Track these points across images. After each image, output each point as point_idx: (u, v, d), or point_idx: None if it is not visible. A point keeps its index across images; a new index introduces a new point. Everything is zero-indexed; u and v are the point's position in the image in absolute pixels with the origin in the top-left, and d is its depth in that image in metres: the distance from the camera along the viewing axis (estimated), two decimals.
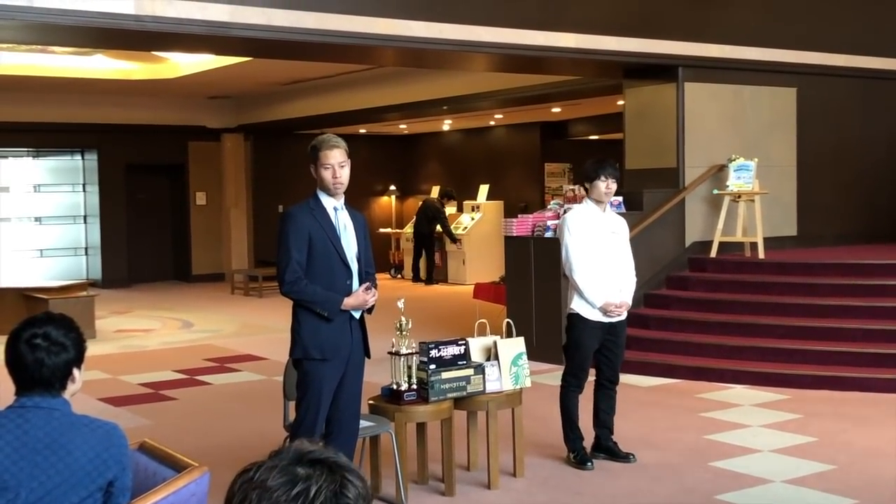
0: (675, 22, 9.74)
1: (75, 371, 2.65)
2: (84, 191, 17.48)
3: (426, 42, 8.23)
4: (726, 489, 5.23)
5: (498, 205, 16.64)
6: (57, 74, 13.74)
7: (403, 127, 18.00)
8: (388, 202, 19.51)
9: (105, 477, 2.57)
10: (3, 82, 13.97)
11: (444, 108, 14.19)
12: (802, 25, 10.59)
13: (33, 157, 17.27)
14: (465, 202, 17.22)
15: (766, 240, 9.57)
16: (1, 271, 16.33)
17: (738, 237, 9.59)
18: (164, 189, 18.03)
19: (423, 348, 5.12)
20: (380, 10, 7.90)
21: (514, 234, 9.49)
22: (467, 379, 5.21)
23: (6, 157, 17.03)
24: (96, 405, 7.52)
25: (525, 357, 5.47)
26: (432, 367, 5.09)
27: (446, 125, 17.77)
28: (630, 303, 5.78)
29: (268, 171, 17.91)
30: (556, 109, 14.90)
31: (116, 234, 17.04)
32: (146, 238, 17.60)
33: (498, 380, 5.34)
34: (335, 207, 4.59)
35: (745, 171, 9.52)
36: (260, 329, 11.95)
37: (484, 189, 16.99)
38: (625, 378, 6.75)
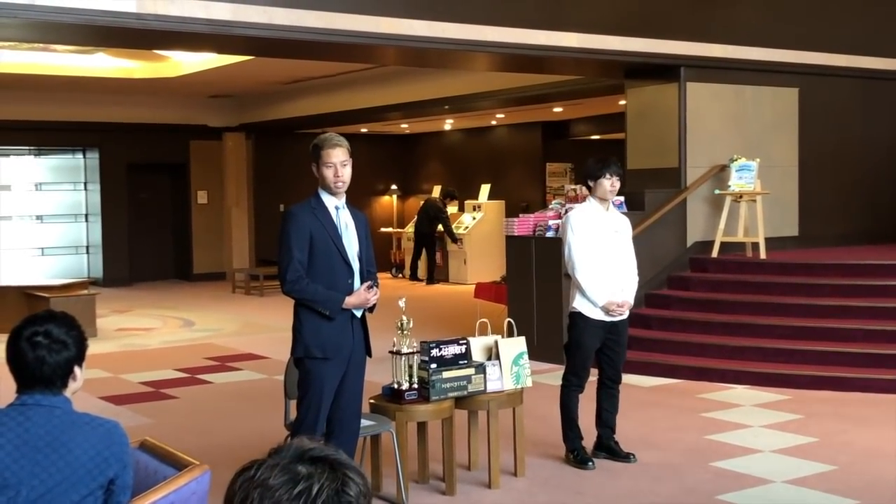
0: (677, 22, 9.74)
1: (76, 369, 2.65)
2: (85, 189, 17.49)
3: (428, 41, 8.22)
4: (727, 489, 5.22)
5: (499, 204, 16.64)
6: (59, 73, 13.75)
7: (405, 126, 18.00)
8: (389, 201, 19.51)
9: (106, 475, 2.57)
10: (5, 80, 13.98)
11: (446, 107, 14.19)
12: (804, 26, 10.59)
13: (35, 155, 17.28)
14: (467, 202, 17.22)
15: (767, 240, 9.57)
16: (2, 269, 16.34)
17: (740, 237, 9.59)
18: (166, 188, 18.04)
19: (425, 347, 5.12)
20: (382, 9, 7.90)
21: (516, 234, 9.49)
22: (468, 378, 5.21)
23: (8, 155, 17.03)
24: (97, 403, 7.52)
25: (526, 356, 5.47)
26: (433, 366, 5.09)
27: (448, 125, 17.76)
28: (632, 302, 5.77)
29: (269, 171, 17.91)
30: (558, 109, 14.90)
31: (118, 232, 17.05)
32: (147, 237, 17.61)
33: (499, 379, 5.34)
34: (336, 206, 4.59)
35: (747, 172, 9.51)
36: (261, 328, 11.96)
37: (485, 188, 16.99)
38: (626, 378, 6.73)
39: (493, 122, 17.35)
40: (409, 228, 17.53)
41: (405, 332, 5.05)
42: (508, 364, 5.38)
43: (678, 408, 7.19)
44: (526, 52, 8.82)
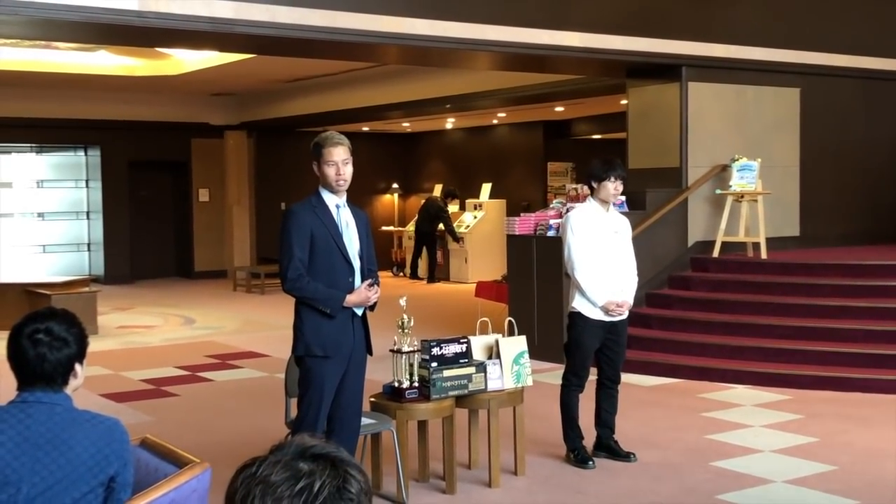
0: (679, 22, 9.73)
1: (77, 366, 2.65)
2: (87, 187, 17.49)
3: (430, 40, 8.22)
4: (727, 489, 5.22)
5: (500, 203, 16.64)
6: (60, 70, 13.76)
7: (406, 125, 18.00)
8: (390, 200, 19.52)
9: (106, 472, 2.58)
10: (7, 78, 13.98)
11: (448, 106, 14.18)
12: (806, 26, 10.58)
13: (36, 152, 17.28)
14: (468, 200, 17.22)
15: (768, 240, 9.56)
16: (4, 267, 16.35)
17: (741, 237, 9.59)
18: (167, 186, 18.04)
19: (425, 346, 5.12)
20: (384, 7, 7.90)
21: (517, 233, 9.49)
22: (469, 377, 5.21)
23: (9, 152, 17.04)
24: (98, 401, 7.53)
25: (527, 356, 5.47)
26: (434, 364, 5.09)
27: (449, 123, 17.77)
28: (631, 302, 5.77)
29: (270, 169, 17.92)
30: (560, 108, 14.90)
31: (119, 230, 17.06)
32: (149, 234, 17.61)
33: (499, 378, 5.34)
34: (337, 205, 4.59)
35: (748, 171, 9.51)
36: (262, 326, 11.96)
37: (486, 188, 16.98)
38: (626, 377, 6.73)
39: (495, 121, 17.34)
40: (410, 227, 17.53)
41: (406, 330, 5.05)
42: (509, 363, 5.38)
43: (679, 407, 7.19)
44: (528, 52, 8.82)
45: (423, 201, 17.16)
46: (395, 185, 19.31)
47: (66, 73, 13.88)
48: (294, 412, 4.78)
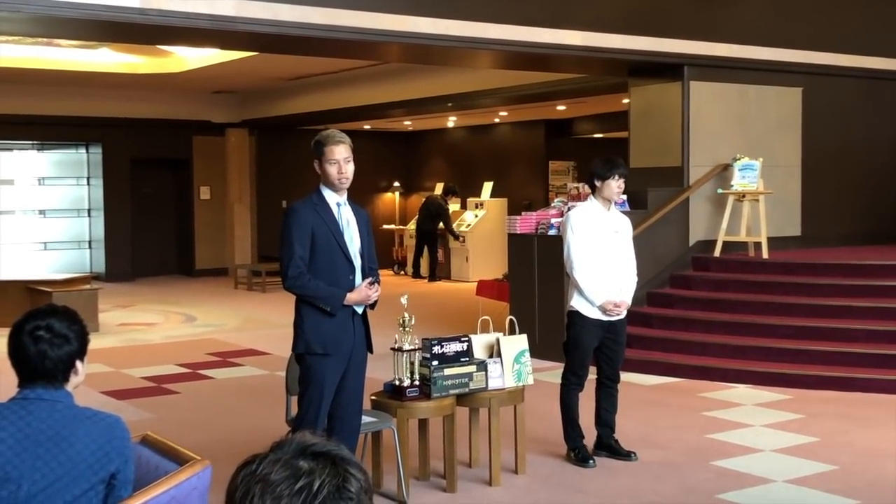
0: (681, 21, 9.73)
1: (78, 363, 2.65)
2: (88, 184, 17.50)
3: (432, 38, 8.22)
4: (728, 488, 5.22)
5: (502, 202, 16.64)
6: (62, 67, 13.76)
7: (408, 123, 18.00)
8: (391, 199, 19.52)
9: (107, 469, 2.58)
10: (9, 75, 13.98)
11: (449, 104, 14.18)
12: (809, 25, 10.57)
13: (38, 149, 17.29)
14: (469, 199, 17.22)
15: (769, 240, 9.55)
16: (5, 264, 16.36)
17: (742, 237, 9.58)
18: (169, 183, 18.05)
19: (426, 344, 5.12)
20: (386, 5, 7.90)
21: (518, 232, 9.49)
22: (470, 376, 5.20)
23: (11, 149, 17.05)
24: (99, 398, 7.53)
25: (528, 354, 5.47)
26: (435, 363, 5.09)
27: (451, 122, 17.76)
28: (630, 302, 5.77)
29: (272, 167, 17.92)
30: (561, 107, 14.89)
31: (120, 227, 17.06)
32: (150, 232, 17.62)
33: (500, 377, 5.34)
34: (338, 203, 4.59)
35: (750, 171, 9.50)
36: (263, 324, 11.96)
37: (488, 186, 16.98)
38: (627, 377, 6.74)
39: (497, 120, 17.34)
40: (412, 226, 17.54)
41: (407, 328, 5.05)
42: (510, 362, 5.38)
43: (679, 407, 7.19)
44: (530, 50, 8.82)
45: (423, 200, 17.17)
46: (396, 184, 19.30)
47: (68, 70, 13.88)
48: (295, 410, 4.78)
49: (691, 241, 9.89)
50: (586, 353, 5.70)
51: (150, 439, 3.04)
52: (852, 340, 8.08)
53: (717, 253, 9.55)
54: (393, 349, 5.14)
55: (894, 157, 11.42)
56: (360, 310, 4.61)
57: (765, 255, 9.43)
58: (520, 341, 5.46)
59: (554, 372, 7.76)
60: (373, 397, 5.22)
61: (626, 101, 10.77)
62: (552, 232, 9.02)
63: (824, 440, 6.18)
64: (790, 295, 8.80)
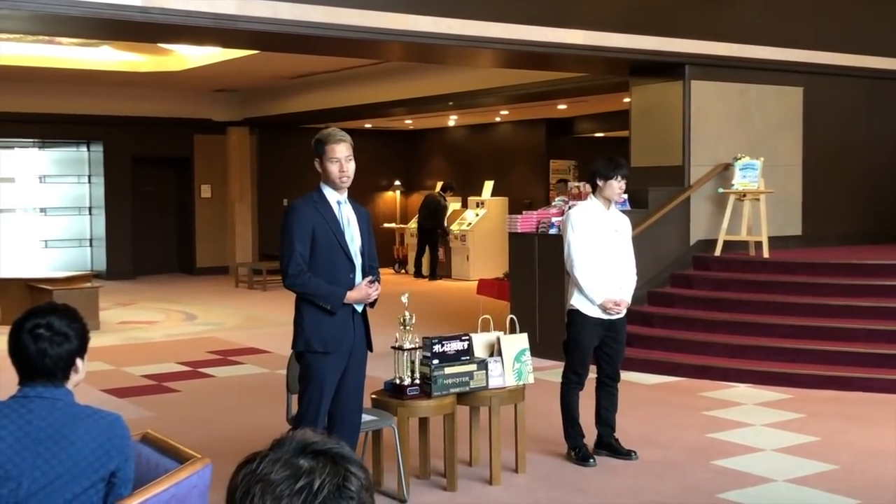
0: (683, 20, 9.72)
1: (78, 361, 2.65)
2: (89, 182, 17.50)
3: (433, 37, 8.22)
4: (728, 488, 5.22)
5: (502, 201, 16.64)
6: (63, 66, 13.76)
7: (409, 122, 18.00)
8: (392, 197, 19.52)
9: (107, 468, 2.58)
10: (10, 73, 13.99)
11: (450, 103, 14.17)
12: (810, 25, 10.57)
13: (39, 147, 17.29)
14: (470, 198, 17.22)
15: (770, 239, 9.55)
16: (6, 262, 16.36)
17: (743, 236, 9.58)
18: (170, 182, 18.05)
19: (427, 343, 5.12)
20: (387, 4, 7.89)
21: (519, 231, 9.49)
22: (470, 374, 5.20)
23: (12, 147, 17.04)
24: (99, 396, 7.54)
25: (528, 353, 5.47)
26: (435, 362, 5.09)
27: (452, 121, 17.76)
28: (629, 301, 5.77)
29: (273, 165, 17.92)
30: (562, 106, 14.88)
31: (121, 225, 17.07)
32: (151, 230, 17.62)
33: (501, 376, 5.34)
34: (339, 201, 4.58)
35: (751, 170, 9.50)
36: (263, 322, 11.97)
37: (489, 185, 16.98)
38: (628, 376, 6.74)
39: (497, 119, 17.33)
40: (412, 225, 17.54)
41: (408, 327, 5.05)
42: (510, 360, 5.38)
43: (680, 406, 7.19)
44: (531, 49, 8.81)
45: (423, 198, 17.20)
46: (397, 183, 19.30)
47: (70, 68, 13.88)
48: (295, 408, 4.79)
49: (692, 241, 9.89)
50: (586, 351, 5.70)
51: (151, 437, 3.04)
52: (853, 340, 8.07)
53: (717, 252, 9.55)
54: (393, 348, 5.14)
55: (895, 157, 11.41)
56: (360, 308, 4.61)
57: (765, 254, 9.42)
58: (520, 340, 5.46)
59: (554, 371, 7.76)
60: (373, 396, 5.22)
61: (627, 100, 10.76)
62: (553, 231, 9.01)
63: (825, 440, 6.18)
64: (791, 294, 8.80)
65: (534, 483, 5.39)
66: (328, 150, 4.50)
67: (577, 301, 5.67)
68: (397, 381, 5.13)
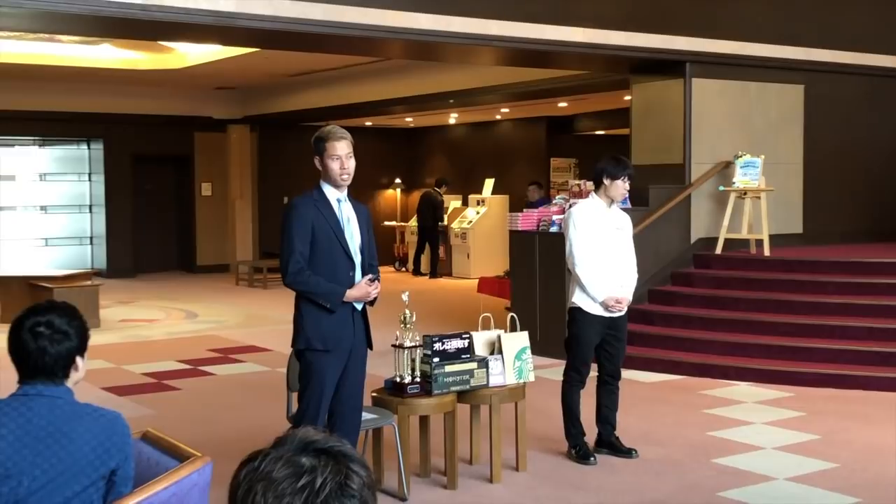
0: (684, 17, 9.71)
1: (78, 359, 2.64)
2: (90, 180, 17.50)
3: (433, 35, 8.21)
4: (729, 486, 5.22)
5: (503, 199, 16.63)
6: (64, 63, 13.74)
7: (409, 120, 17.99)
8: (393, 195, 19.51)
9: (107, 466, 2.57)
10: (10, 70, 13.97)
11: (451, 101, 14.16)
12: (811, 22, 10.56)
13: (39, 145, 17.28)
14: (471, 196, 17.22)
15: (771, 237, 9.54)
16: (6, 260, 16.36)
17: (744, 234, 9.57)
18: (170, 179, 18.04)
19: (427, 341, 5.12)
20: (388, 2, 7.89)
21: (519, 229, 9.48)
22: (471, 372, 5.20)
23: (12, 145, 17.04)
24: (100, 394, 7.53)
25: (529, 351, 5.47)
26: (436, 360, 5.08)
27: (452, 119, 17.75)
28: (630, 299, 5.77)
29: (273, 163, 17.91)
30: (563, 104, 14.87)
31: (122, 223, 17.06)
32: (151, 228, 17.62)
33: (501, 374, 5.33)
34: (338, 199, 4.58)
35: (752, 168, 9.49)
36: (264, 320, 11.96)
37: (489, 183, 16.97)
38: (628, 374, 6.74)
39: (498, 117, 17.32)
40: (413, 223, 17.55)
41: (408, 325, 5.05)
42: (511, 359, 5.37)
43: (680, 404, 7.19)
44: (531, 47, 8.80)
45: (420, 196, 17.23)
46: (397, 181, 19.29)
47: (70, 66, 13.86)
48: (295, 407, 4.78)
49: (693, 239, 9.88)
50: (588, 349, 5.70)
51: (151, 436, 3.03)
52: (854, 338, 8.07)
53: (718, 250, 9.54)
54: (394, 346, 5.14)
55: None
56: (359, 306, 4.61)
57: (766, 252, 9.41)
58: (521, 338, 5.46)
59: (555, 369, 7.76)
60: (374, 394, 5.22)
61: (628, 98, 10.75)
62: (554, 229, 9.01)
63: (825, 438, 6.17)
64: (791, 292, 8.79)
65: (534, 481, 5.39)
66: (328, 147, 4.50)
67: (578, 299, 5.67)
68: (398, 380, 5.13)
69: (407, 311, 5.01)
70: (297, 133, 17.24)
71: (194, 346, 10.11)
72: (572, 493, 5.20)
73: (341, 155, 4.49)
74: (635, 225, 6.07)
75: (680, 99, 9.87)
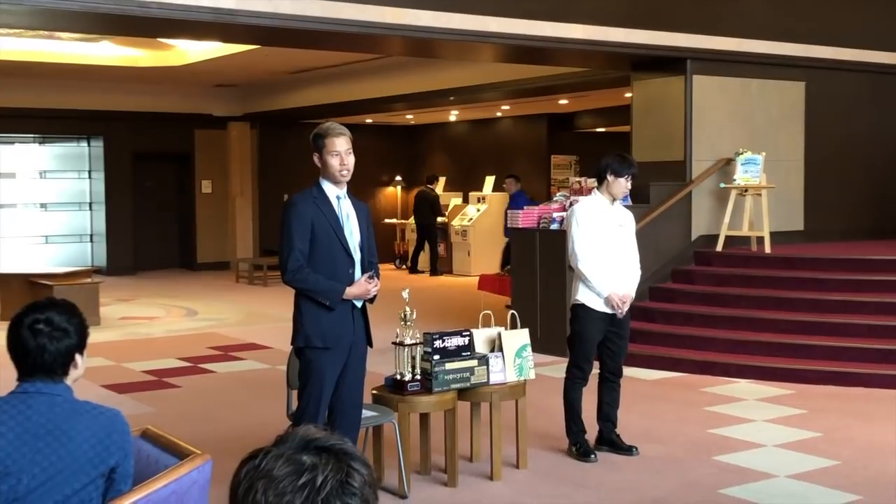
0: (684, 14, 9.70)
1: (77, 357, 2.64)
2: (90, 178, 17.49)
3: (434, 32, 8.20)
4: (729, 483, 5.21)
5: (504, 196, 16.60)
6: (63, 61, 13.73)
7: (410, 117, 17.98)
8: (393, 192, 19.50)
9: (107, 463, 2.56)
10: (10, 68, 13.96)
11: (451, 98, 14.15)
12: (812, 19, 10.54)
13: (39, 143, 17.27)
14: (471, 193, 17.22)
15: (772, 234, 9.53)
16: (6, 257, 16.35)
17: (745, 231, 9.56)
18: (170, 177, 18.03)
19: (428, 339, 5.11)
20: None
21: (520, 226, 9.48)
22: (471, 370, 5.20)
23: (12, 143, 17.03)
24: (100, 392, 7.53)
25: (529, 349, 5.46)
26: (436, 357, 5.08)
27: (453, 116, 17.74)
28: (633, 296, 5.76)
29: (273, 160, 17.90)
30: (564, 101, 14.86)
31: (122, 221, 17.05)
32: (152, 226, 17.61)
33: (502, 371, 5.33)
34: (338, 196, 4.56)
35: (753, 165, 9.48)
36: (264, 318, 11.96)
37: (490, 180, 16.97)
38: (629, 371, 6.72)
39: (499, 114, 17.31)
40: (413, 221, 17.55)
41: (408, 323, 5.04)
42: (511, 356, 5.37)
43: (681, 401, 7.18)
44: (532, 44, 8.79)
45: (415, 195, 17.27)
46: (398, 178, 19.29)
47: (70, 63, 13.85)
48: (295, 404, 4.78)
49: (693, 236, 9.87)
50: (591, 346, 5.70)
51: (151, 433, 3.03)
52: (854, 336, 8.06)
53: (719, 248, 9.53)
54: (394, 343, 5.13)
55: None
56: (359, 304, 4.60)
57: (767, 249, 9.41)
58: (521, 336, 5.45)
59: (555, 367, 7.76)
60: (374, 391, 5.21)
61: (628, 95, 10.74)
62: (554, 226, 9.00)
63: (826, 435, 6.17)
64: (792, 290, 8.78)
65: (534, 478, 5.38)
66: (328, 143, 4.48)
67: (581, 296, 5.66)
68: (398, 377, 5.12)
69: (407, 309, 5.00)
70: (297, 130, 17.24)
71: (194, 343, 10.10)
72: (573, 491, 5.20)
73: (341, 151, 4.48)
74: (636, 222, 6.06)
75: (681, 96, 9.86)
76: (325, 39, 8.58)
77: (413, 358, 5.12)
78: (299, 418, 4.56)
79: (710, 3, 9.90)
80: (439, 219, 16.80)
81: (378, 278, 4.59)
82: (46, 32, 12.18)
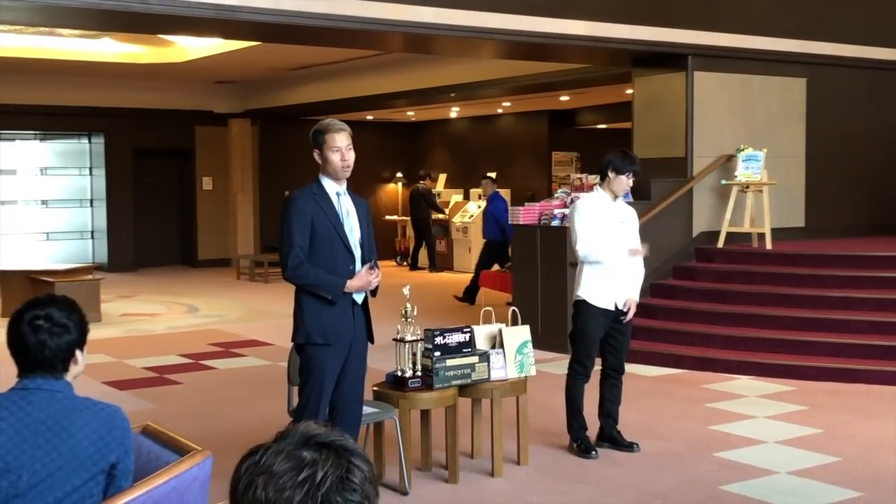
0: (685, 10, 9.69)
1: (78, 353, 2.63)
2: (91, 174, 17.49)
3: (435, 28, 8.19)
4: (730, 480, 5.21)
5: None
6: (64, 57, 13.73)
7: (411, 114, 17.97)
8: (394, 189, 19.50)
9: (107, 460, 2.56)
10: (11, 65, 13.96)
11: (452, 95, 14.15)
12: (813, 15, 10.53)
13: (40, 139, 17.27)
14: (472, 190, 17.20)
15: (773, 231, 9.53)
16: (7, 254, 16.36)
17: (746, 228, 9.56)
18: (171, 173, 18.04)
19: (429, 335, 5.11)
20: None
21: (521, 223, 9.47)
22: (472, 366, 5.19)
23: (13, 139, 17.03)
24: (101, 388, 7.53)
25: (530, 345, 5.46)
26: (437, 354, 5.07)
27: (454, 112, 17.73)
28: (637, 299, 5.76)
29: (274, 157, 17.90)
30: (565, 98, 14.85)
31: (123, 218, 17.06)
32: (153, 222, 17.61)
33: (503, 367, 5.33)
34: (338, 192, 4.56)
35: (754, 162, 9.48)
36: (265, 314, 11.96)
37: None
38: (630, 368, 6.71)
39: (500, 111, 17.30)
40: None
41: (409, 319, 5.04)
42: (512, 352, 5.36)
43: (683, 398, 7.18)
44: (532, 40, 8.78)
45: (410, 192, 17.29)
46: (398, 175, 19.28)
47: (70, 60, 13.85)
48: (296, 400, 4.78)
49: (695, 232, 9.87)
50: (593, 342, 5.69)
51: (151, 429, 3.03)
52: (855, 332, 8.06)
53: (720, 244, 9.53)
54: (395, 340, 5.13)
55: None
56: (360, 300, 4.59)
57: (768, 246, 9.40)
58: (522, 332, 5.45)
59: (556, 363, 7.76)
60: (375, 388, 5.21)
61: (629, 91, 10.73)
62: (555, 223, 9.00)
63: (827, 432, 6.16)
64: (794, 286, 8.78)
65: (535, 475, 5.38)
66: (328, 139, 4.48)
67: (583, 292, 5.65)
68: (399, 373, 5.12)
69: (408, 305, 5.00)
70: (298, 127, 17.20)
71: (195, 340, 10.11)
72: (573, 487, 5.20)
73: (341, 147, 4.48)
74: (637, 219, 6.05)
75: (682, 92, 9.85)
76: (327, 36, 8.56)
77: (414, 354, 5.11)
78: (300, 415, 4.56)
79: (711, 0, 9.89)
80: (438, 215, 16.77)
81: (378, 269, 4.59)
82: (47, 29, 12.18)
